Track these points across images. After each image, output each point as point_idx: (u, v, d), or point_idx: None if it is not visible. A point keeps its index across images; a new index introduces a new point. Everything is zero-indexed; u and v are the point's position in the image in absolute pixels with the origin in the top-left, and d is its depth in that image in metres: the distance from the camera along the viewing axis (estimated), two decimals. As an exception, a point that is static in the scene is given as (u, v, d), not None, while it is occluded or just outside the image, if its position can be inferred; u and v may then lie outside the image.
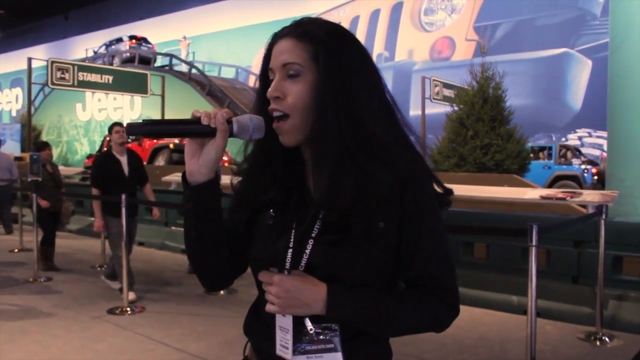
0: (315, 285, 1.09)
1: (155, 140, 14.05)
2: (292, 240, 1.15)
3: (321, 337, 1.12)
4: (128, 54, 21.75)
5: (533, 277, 3.17)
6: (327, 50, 1.11)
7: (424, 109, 12.92)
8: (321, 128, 1.10)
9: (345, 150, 1.09)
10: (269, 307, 1.11)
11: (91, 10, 34.33)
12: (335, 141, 1.09)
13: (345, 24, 22.87)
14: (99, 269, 7.20)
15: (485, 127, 9.69)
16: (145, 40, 23.67)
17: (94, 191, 5.69)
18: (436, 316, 1.17)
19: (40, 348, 4.32)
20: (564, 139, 18.38)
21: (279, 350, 1.14)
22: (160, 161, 14.09)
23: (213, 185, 1.13)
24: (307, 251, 1.13)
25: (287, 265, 1.13)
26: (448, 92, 13.40)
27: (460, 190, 6.93)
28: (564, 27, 18.98)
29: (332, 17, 23.04)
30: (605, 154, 17.20)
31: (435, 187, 1.19)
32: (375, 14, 22.36)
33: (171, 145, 13.93)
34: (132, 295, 5.44)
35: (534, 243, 3.17)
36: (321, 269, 1.11)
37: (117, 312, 5.24)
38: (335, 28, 1.16)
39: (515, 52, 18.89)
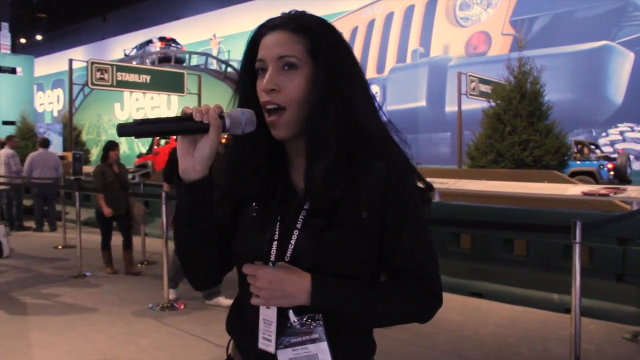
0: (300, 276, 1.10)
1: None
2: (277, 232, 1.16)
3: (305, 328, 1.12)
4: (159, 55, 22.06)
5: (577, 275, 3.12)
6: (327, 44, 1.13)
7: (460, 105, 12.77)
8: (320, 121, 1.12)
9: (341, 141, 1.12)
10: (254, 300, 1.12)
11: (128, 11, 34.95)
12: (332, 133, 1.12)
13: (380, 21, 22.83)
14: (139, 265, 7.34)
15: (523, 123, 9.53)
16: (174, 41, 24.07)
17: (166, 187, 5.58)
18: (419, 307, 1.18)
19: (86, 342, 4.43)
20: (604, 134, 17.98)
21: (262, 344, 1.14)
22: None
23: (207, 182, 1.13)
24: (292, 242, 1.14)
25: (272, 257, 1.14)
26: (484, 88, 13.22)
27: (499, 186, 6.85)
28: (604, 19, 18.52)
29: (367, 14, 22.97)
30: (622, 150, 16.77)
31: (419, 183, 1.21)
32: (409, 10, 22.18)
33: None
34: (172, 294, 5.51)
35: (577, 240, 3.12)
36: (306, 258, 1.12)
37: (159, 308, 5.33)
38: (326, 22, 1.18)
39: (554, 46, 18.52)
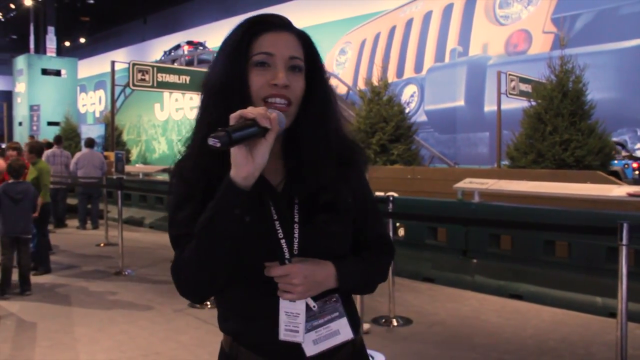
0: (323, 264, 1.21)
1: None
2: (279, 230, 1.20)
3: (325, 310, 1.23)
4: (186, 57, 22.43)
5: (623, 278, 3.04)
6: (318, 54, 1.27)
7: (500, 104, 12.58)
8: (325, 121, 1.26)
9: (329, 138, 1.25)
10: (288, 296, 1.17)
11: (168, 13, 35.51)
12: (330, 133, 1.26)
13: (418, 20, 22.66)
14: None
15: (565, 122, 9.33)
16: (201, 44, 24.60)
17: None
18: (387, 267, 1.39)
19: (128, 338, 4.52)
20: (650, 133, 17.45)
21: (285, 335, 1.19)
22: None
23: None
24: (296, 236, 1.21)
25: (287, 254, 1.19)
26: (525, 87, 12.99)
27: (542, 187, 6.73)
28: (651, 16, 17.99)
29: (405, 13, 22.83)
30: None
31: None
32: (448, 9, 21.95)
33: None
34: None
35: (624, 242, 3.04)
36: (313, 249, 1.21)
37: (198, 306, 5.40)
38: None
39: (597, 44, 18.05)
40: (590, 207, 6.29)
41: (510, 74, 12.95)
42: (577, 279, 5.40)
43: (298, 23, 1.30)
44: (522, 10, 20.88)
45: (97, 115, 35.38)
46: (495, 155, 12.67)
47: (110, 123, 14.93)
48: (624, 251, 3.06)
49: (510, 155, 10.06)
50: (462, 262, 6.21)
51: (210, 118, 1.19)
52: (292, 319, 1.18)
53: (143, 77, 13.71)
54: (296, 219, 1.21)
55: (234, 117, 1.07)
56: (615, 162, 12.73)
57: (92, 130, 16.26)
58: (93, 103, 38.50)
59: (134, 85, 13.69)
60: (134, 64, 13.66)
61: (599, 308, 5.10)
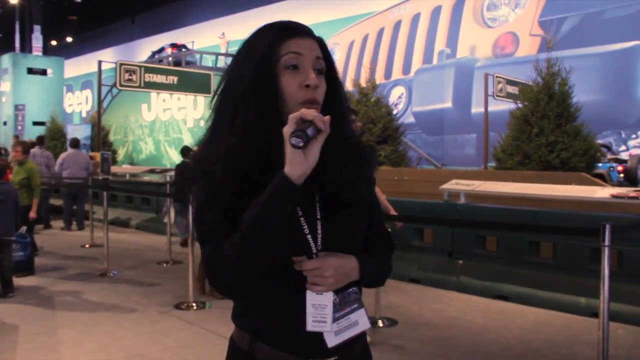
0: (348, 257, 1.27)
1: None
2: (305, 227, 1.25)
3: (345, 302, 1.28)
4: (171, 59, 22.40)
5: (605, 278, 3.06)
6: (332, 58, 1.34)
7: (487, 106, 12.64)
8: (346, 122, 1.34)
9: (348, 138, 1.33)
10: (318, 288, 1.22)
11: (156, 13, 35.29)
12: (344, 131, 1.32)
13: (406, 22, 22.71)
14: (164, 265, 7.42)
15: (551, 125, 9.38)
16: (184, 46, 24.75)
17: None
18: (391, 262, 1.45)
19: (112, 340, 4.49)
20: (634, 135, 17.62)
21: (312, 326, 1.23)
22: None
23: None
24: (319, 232, 1.26)
25: (314, 249, 1.24)
26: (512, 89, 13.05)
27: (527, 189, 6.76)
28: (635, 19, 18.13)
29: (393, 15, 22.87)
30: (632, 152, 16.37)
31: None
32: (436, 11, 22.01)
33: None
34: None
35: (606, 243, 3.06)
36: (335, 243, 1.27)
37: (183, 307, 5.38)
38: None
39: (583, 47, 18.19)
40: (575, 208, 6.33)
41: (497, 76, 13.01)
42: (561, 280, 5.44)
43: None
44: (510, 13, 21.02)
45: (84, 115, 35.07)
46: (482, 156, 12.72)
47: (96, 123, 14.81)
48: (606, 252, 3.08)
49: (496, 157, 10.09)
50: (448, 263, 6.23)
51: (243, 120, 1.23)
52: (319, 310, 1.23)
53: (130, 77, 13.62)
54: (318, 216, 1.27)
55: (294, 118, 1.13)
56: (601, 164, 12.85)
57: (78, 131, 16.13)
58: (80, 103, 38.17)
59: (121, 85, 13.60)
60: (121, 64, 13.57)
61: (582, 308, 5.14)
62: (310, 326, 1.23)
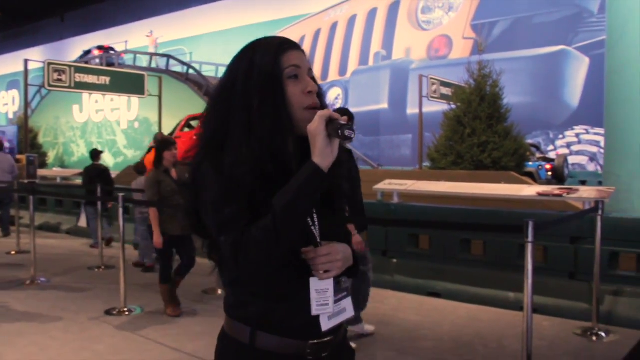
0: (344, 245, 1.41)
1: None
2: (309, 219, 1.38)
3: (339, 288, 1.40)
4: (98, 60, 21.87)
5: (529, 273, 3.17)
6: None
7: (422, 107, 12.89)
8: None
9: None
10: (327, 275, 1.34)
11: (87, 11, 34.24)
12: None
13: (343, 23, 22.88)
14: (96, 270, 7.20)
15: (483, 125, 9.65)
16: (111, 48, 24.38)
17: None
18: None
19: (38, 350, 4.31)
20: (561, 136, 18.37)
21: (316, 310, 1.35)
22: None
23: None
24: (316, 223, 1.38)
25: (318, 238, 1.36)
26: (445, 91, 13.35)
27: (458, 188, 6.94)
28: (562, 25, 18.95)
29: (329, 17, 23.02)
30: (559, 151, 17.19)
31: None
32: (372, 13, 22.31)
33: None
34: None
35: (530, 239, 3.17)
36: (330, 233, 1.39)
37: (115, 313, 5.24)
38: None
39: (513, 50, 18.85)
40: (504, 206, 6.54)
41: (431, 78, 13.27)
42: (491, 276, 5.61)
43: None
44: (444, 16, 21.52)
45: (11, 116, 33.66)
46: (417, 157, 12.96)
47: (24, 125, 14.21)
48: (529, 248, 3.19)
49: (431, 157, 10.30)
50: (382, 262, 6.31)
51: (262, 127, 1.34)
52: (321, 294, 1.35)
53: (60, 77, 13.14)
54: (314, 210, 1.39)
55: (322, 116, 1.28)
56: (530, 163, 13.33)
57: (4, 133, 15.44)
58: (6, 104, 36.60)
59: (49, 85, 13.10)
60: (49, 63, 13.07)
61: (511, 302, 5.31)
62: (315, 310, 1.35)
